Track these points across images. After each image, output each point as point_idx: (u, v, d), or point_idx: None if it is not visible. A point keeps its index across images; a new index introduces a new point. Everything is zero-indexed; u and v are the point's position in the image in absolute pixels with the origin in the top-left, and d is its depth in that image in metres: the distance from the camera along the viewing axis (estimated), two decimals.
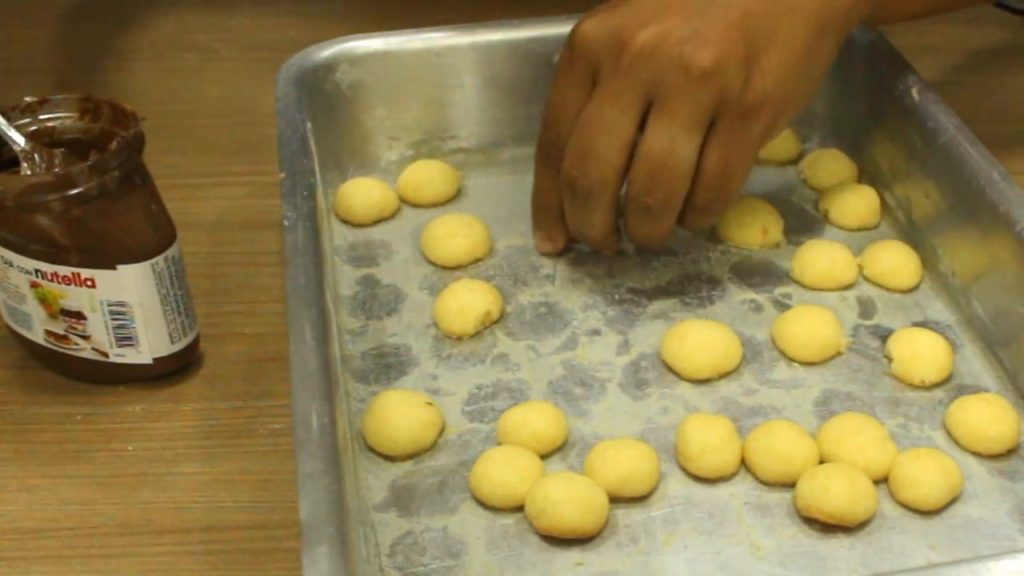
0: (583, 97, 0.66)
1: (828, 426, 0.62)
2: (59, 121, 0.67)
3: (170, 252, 0.65)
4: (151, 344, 0.66)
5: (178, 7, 1.04)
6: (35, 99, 0.67)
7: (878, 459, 0.60)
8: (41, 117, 0.66)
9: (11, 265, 0.65)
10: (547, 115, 0.69)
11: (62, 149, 0.64)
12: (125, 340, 0.66)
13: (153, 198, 0.65)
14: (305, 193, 0.68)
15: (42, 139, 0.66)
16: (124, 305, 0.65)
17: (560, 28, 0.80)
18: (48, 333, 0.67)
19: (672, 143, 0.63)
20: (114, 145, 0.62)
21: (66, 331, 0.66)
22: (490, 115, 0.82)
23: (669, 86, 0.63)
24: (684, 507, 0.60)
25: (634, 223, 0.67)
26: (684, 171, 0.64)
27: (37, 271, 0.64)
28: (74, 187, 0.62)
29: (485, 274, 0.74)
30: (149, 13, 1.04)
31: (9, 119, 0.66)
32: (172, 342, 0.67)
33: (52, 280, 0.64)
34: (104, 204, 0.63)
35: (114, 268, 0.64)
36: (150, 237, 0.64)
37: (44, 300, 0.66)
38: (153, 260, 0.64)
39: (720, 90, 0.63)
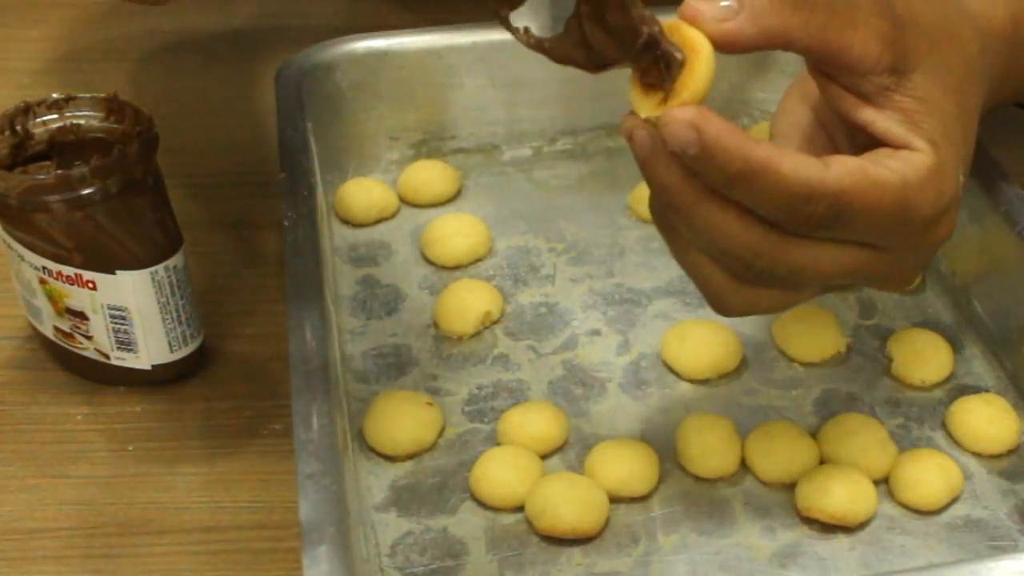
0: None
1: (828, 426, 0.62)
2: (85, 119, 0.67)
3: (171, 262, 0.65)
4: (150, 351, 0.66)
5: (178, 7, 1.04)
6: (62, 96, 0.67)
7: (878, 459, 0.60)
8: (67, 114, 0.67)
9: (23, 259, 0.65)
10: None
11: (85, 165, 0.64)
12: (124, 345, 0.66)
13: (160, 205, 0.65)
14: (305, 193, 0.68)
15: (67, 136, 0.66)
16: (123, 310, 0.65)
17: None
18: (56, 329, 0.67)
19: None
20: (115, 152, 0.62)
21: (71, 329, 0.66)
22: (490, 115, 0.82)
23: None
24: (684, 507, 0.60)
25: None
26: None
27: (44, 268, 0.65)
28: (73, 190, 0.62)
29: (485, 274, 0.74)
30: (149, 13, 1.04)
31: (36, 115, 0.66)
32: (171, 351, 0.67)
33: (57, 279, 0.64)
34: (106, 209, 0.62)
35: (114, 273, 0.64)
36: (151, 245, 0.64)
37: (51, 297, 0.66)
38: (152, 269, 0.64)
39: None
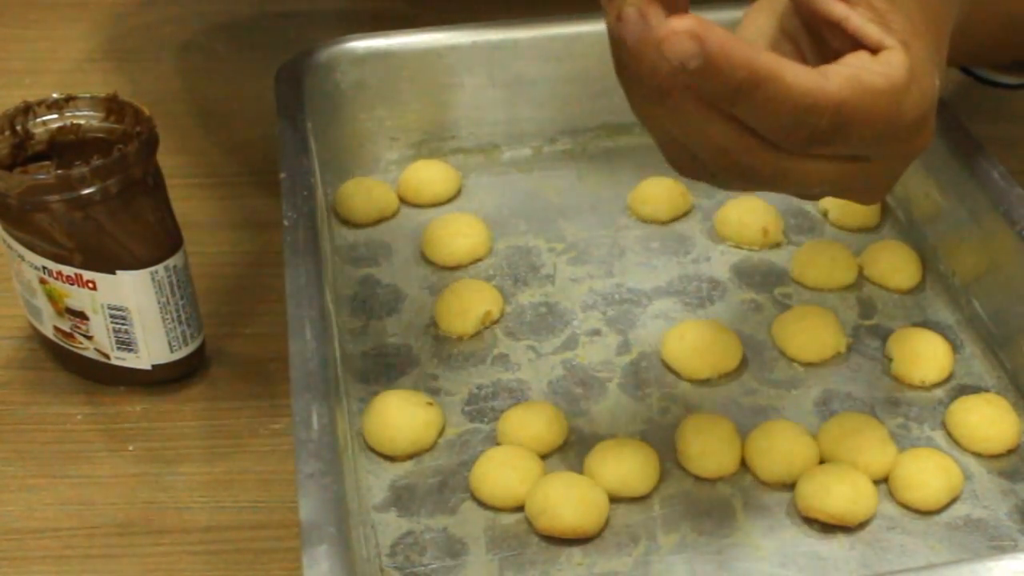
0: None
1: (828, 426, 0.62)
2: (85, 119, 0.67)
3: (171, 261, 0.65)
4: (150, 351, 0.66)
5: (178, 6, 1.04)
6: (62, 95, 0.67)
7: (878, 459, 0.60)
8: (67, 114, 0.67)
9: (23, 259, 0.65)
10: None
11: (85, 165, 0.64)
12: (124, 345, 0.66)
13: (160, 205, 0.65)
14: (305, 193, 0.68)
15: (67, 136, 0.66)
16: (124, 310, 0.65)
17: (560, 28, 0.80)
18: (56, 329, 0.67)
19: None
20: (115, 152, 0.62)
21: (71, 329, 0.66)
22: (490, 115, 0.82)
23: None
24: (684, 507, 0.60)
25: None
26: None
27: (44, 268, 0.65)
28: (73, 190, 0.62)
29: (485, 274, 0.74)
30: (149, 13, 1.04)
31: (36, 115, 0.66)
32: (171, 351, 0.67)
33: (58, 279, 0.65)
34: (107, 209, 0.63)
35: (114, 273, 0.64)
36: (151, 245, 0.64)
37: (51, 297, 0.66)
38: (152, 268, 0.64)
39: None
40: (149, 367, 0.67)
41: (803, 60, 0.55)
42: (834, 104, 0.48)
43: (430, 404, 0.64)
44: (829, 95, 0.48)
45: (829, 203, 0.77)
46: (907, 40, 0.51)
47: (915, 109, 0.51)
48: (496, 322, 0.70)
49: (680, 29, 0.44)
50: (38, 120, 0.66)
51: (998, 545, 0.58)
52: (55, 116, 0.67)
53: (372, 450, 0.63)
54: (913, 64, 0.51)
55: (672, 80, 0.46)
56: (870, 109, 0.49)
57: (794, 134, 0.48)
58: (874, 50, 0.51)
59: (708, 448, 0.61)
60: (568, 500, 0.58)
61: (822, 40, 0.53)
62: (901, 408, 0.65)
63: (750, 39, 0.55)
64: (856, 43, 0.51)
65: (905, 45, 0.51)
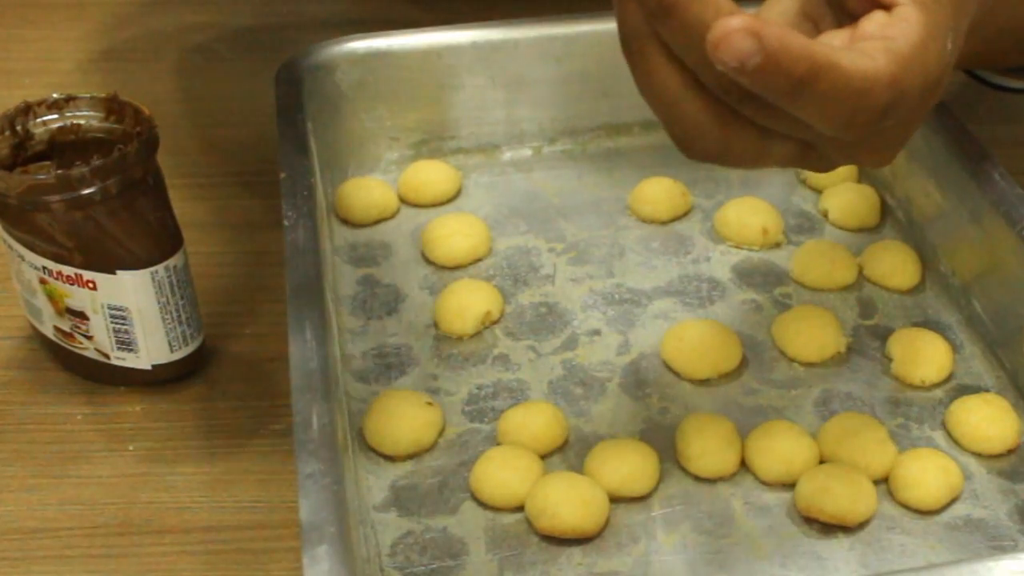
0: None
1: (828, 426, 0.62)
2: (85, 119, 0.67)
3: (172, 262, 0.65)
4: (150, 351, 0.66)
5: (178, 7, 1.04)
6: (62, 95, 0.67)
7: (878, 459, 0.60)
8: (68, 114, 0.67)
9: (23, 259, 0.65)
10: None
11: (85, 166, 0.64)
12: (124, 345, 0.66)
13: (160, 205, 0.65)
14: (305, 193, 0.68)
15: (67, 136, 0.66)
16: (124, 310, 0.65)
17: (560, 28, 0.80)
18: (56, 329, 0.67)
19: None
20: (115, 152, 0.62)
21: (71, 329, 0.66)
22: (490, 115, 0.82)
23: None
24: (684, 507, 0.60)
25: None
26: None
27: (44, 268, 0.65)
28: (73, 190, 0.62)
29: (485, 274, 0.74)
30: (149, 13, 1.04)
31: (36, 115, 0.66)
32: (171, 351, 0.67)
33: (58, 279, 0.65)
34: (107, 208, 0.63)
35: (114, 273, 0.64)
36: (151, 245, 0.64)
37: (51, 297, 0.66)
38: (153, 269, 0.64)
39: None
40: (149, 367, 0.67)
41: None
42: (889, 80, 0.47)
43: (430, 404, 0.64)
44: (883, 73, 0.46)
45: (829, 203, 0.77)
46: (924, 1, 0.50)
47: (935, 70, 0.50)
48: (496, 322, 0.70)
49: (736, 27, 0.41)
50: (38, 120, 0.66)
51: (998, 545, 0.58)
52: (55, 116, 0.67)
53: (372, 450, 0.63)
54: (930, 23, 0.49)
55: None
56: (912, 76, 0.48)
57: (856, 118, 0.47)
58: (887, 8, 0.50)
59: (708, 448, 0.61)
60: (568, 500, 0.58)
61: (843, 15, 0.52)
62: (901, 408, 0.65)
63: (773, 20, 0.54)
64: (873, 4, 0.50)
65: (920, 3, 0.50)
